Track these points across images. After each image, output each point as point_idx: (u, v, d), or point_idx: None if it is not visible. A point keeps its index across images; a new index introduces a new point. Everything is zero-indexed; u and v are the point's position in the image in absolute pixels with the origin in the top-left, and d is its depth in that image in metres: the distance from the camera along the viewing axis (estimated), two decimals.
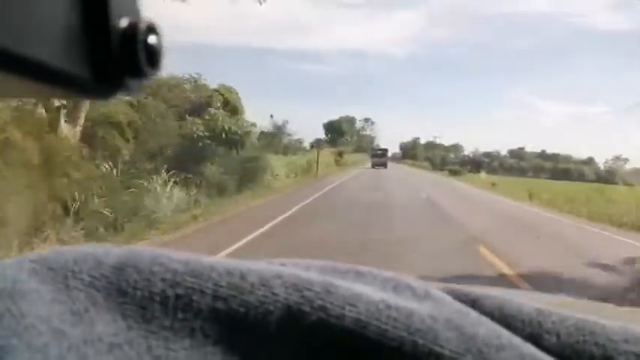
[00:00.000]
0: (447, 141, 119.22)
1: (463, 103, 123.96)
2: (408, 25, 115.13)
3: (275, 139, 33.76)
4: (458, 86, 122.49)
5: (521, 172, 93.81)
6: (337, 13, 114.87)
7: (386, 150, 60.46)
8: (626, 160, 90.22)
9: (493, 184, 32.99)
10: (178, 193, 10.88)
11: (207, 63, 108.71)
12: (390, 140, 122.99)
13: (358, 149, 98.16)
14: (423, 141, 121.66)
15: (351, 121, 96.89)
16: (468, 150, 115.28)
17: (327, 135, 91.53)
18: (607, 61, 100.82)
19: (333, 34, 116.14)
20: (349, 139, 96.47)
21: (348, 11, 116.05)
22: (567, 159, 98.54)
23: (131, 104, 11.57)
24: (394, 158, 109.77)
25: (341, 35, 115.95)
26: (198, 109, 15.34)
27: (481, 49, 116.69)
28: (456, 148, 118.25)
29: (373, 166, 52.96)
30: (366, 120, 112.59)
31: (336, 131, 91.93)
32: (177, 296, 0.28)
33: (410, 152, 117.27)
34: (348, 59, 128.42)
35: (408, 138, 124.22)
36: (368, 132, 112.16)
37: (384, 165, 53.85)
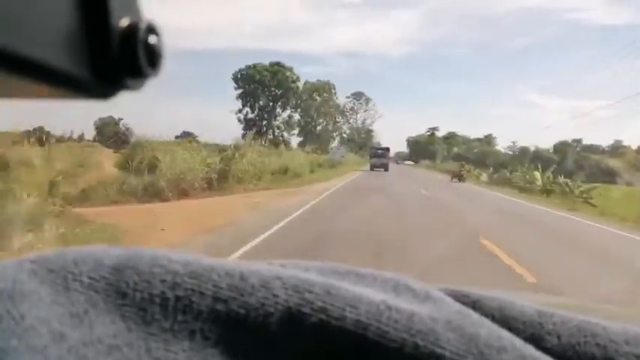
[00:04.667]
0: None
1: (462, 101, 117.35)
2: (405, 25, 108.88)
3: None
4: (457, 84, 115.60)
5: (610, 175, 56.41)
6: (334, 14, 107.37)
7: (387, 149, 46.47)
8: None
9: None
10: None
11: (204, 67, 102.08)
12: (390, 139, 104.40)
13: (349, 146, 60.37)
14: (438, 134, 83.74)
15: (323, 89, 55.07)
16: (500, 144, 78.43)
17: (254, 112, 46.14)
18: (606, 55, 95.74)
19: (331, 35, 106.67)
20: (326, 125, 57.74)
21: (345, 12, 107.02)
22: None
23: None
24: (398, 157, 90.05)
25: (338, 36, 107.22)
26: None
27: (479, 46, 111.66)
28: (488, 141, 79.98)
29: (372, 168, 40.83)
30: (357, 96, 73.33)
31: (279, 98, 46.44)
32: (177, 298, 0.28)
33: (423, 149, 79.70)
34: (345, 60, 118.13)
35: (412, 134, 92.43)
36: (362, 115, 73.22)
37: (385, 167, 41.03)
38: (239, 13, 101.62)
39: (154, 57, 0.22)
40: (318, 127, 54.16)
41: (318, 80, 54.49)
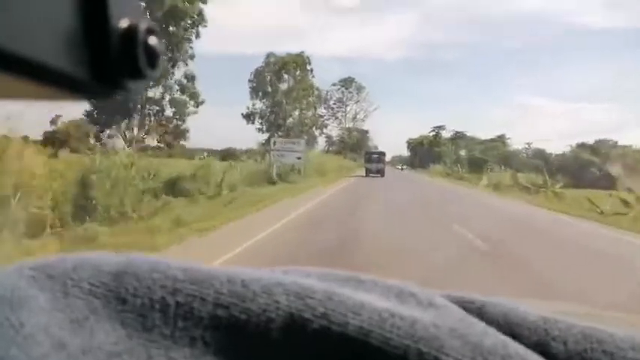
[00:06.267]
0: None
1: (460, 104, 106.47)
2: (402, 28, 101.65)
3: None
4: (454, 87, 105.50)
5: None
6: (330, 18, 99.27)
7: (383, 153, 39.97)
8: None
9: None
10: None
11: (202, 72, 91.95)
12: (386, 142, 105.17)
13: (336, 147, 46.37)
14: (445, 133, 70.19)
15: (295, 64, 39.80)
16: (514, 144, 64.76)
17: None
18: (604, 59, 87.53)
19: (327, 39, 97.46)
20: (301, 116, 40.86)
21: (341, 16, 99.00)
22: None
23: None
24: (400, 161, 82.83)
25: (334, 40, 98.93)
26: None
27: (476, 49, 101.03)
28: (502, 141, 65.91)
29: (367, 173, 35.43)
30: (346, 83, 58.70)
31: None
32: (178, 304, 0.28)
33: (427, 152, 65.98)
34: (341, 64, 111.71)
35: (410, 137, 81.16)
36: (352, 108, 58.76)
37: (381, 173, 35.40)
38: (236, 19, 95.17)
39: (153, 58, 0.22)
40: (289, 120, 39.41)
41: (288, 53, 39.77)
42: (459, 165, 46.66)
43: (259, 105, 39.65)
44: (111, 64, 0.20)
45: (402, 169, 69.35)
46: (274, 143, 21.30)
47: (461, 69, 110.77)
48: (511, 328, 0.31)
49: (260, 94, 38.98)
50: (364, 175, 35.73)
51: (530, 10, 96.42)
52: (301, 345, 0.28)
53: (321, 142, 54.39)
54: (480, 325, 0.30)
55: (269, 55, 39.51)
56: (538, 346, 0.30)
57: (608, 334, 0.31)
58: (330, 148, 55.93)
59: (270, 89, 39.09)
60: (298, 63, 39.36)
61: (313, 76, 40.94)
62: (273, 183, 17.35)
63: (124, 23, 0.21)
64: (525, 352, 0.28)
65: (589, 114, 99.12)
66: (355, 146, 58.85)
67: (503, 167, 35.57)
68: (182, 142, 26.02)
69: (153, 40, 0.22)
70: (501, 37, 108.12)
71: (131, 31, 0.21)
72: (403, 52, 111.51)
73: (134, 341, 0.27)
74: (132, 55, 0.21)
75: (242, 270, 0.31)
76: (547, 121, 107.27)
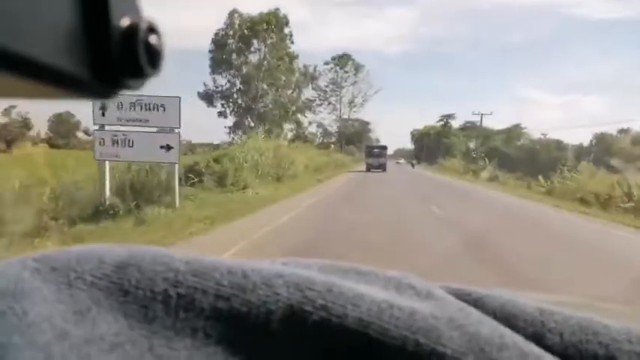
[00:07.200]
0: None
1: (460, 98, 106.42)
2: (401, 22, 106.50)
3: None
4: (454, 82, 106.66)
5: None
6: (330, 12, 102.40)
7: (385, 147, 39.26)
8: None
9: None
10: None
11: (201, 67, 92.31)
12: (387, 135, 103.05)
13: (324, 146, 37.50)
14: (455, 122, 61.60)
15: (267, 24, 28.99)
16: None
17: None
18: (603, 50, 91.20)
19: (327, 33, 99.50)
20: (278, 96, 29.74)
21: (341, 10, 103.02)
22: None
23: None
24: (400, 155, 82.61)
25: (334, 34, 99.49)
26: None
27: (475, 43, 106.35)
28: (517, 131, 56.81)
29: (368, 168, 34.91)
30: (341, 61, 48.12)
31: None
32: (179, 295, 0.29)
33: (434, 144, 57.42)
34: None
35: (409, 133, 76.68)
36: (349, 90, 49.53)
37: (383, 167, 34.85)
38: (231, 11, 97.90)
39: (154, 57, 0.22)
40: (261, 103, 29.89)
41: (260, 13, 29.67)
42: (486, 159, 37.39)
43: (221, 81, 30.52)
44: (112, 63, 0.21)
45: (412, 165, 59.04)
46: (102, 112, 8.49)
47: (461, 62, 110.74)
48: (508, 320, 0.31)
49: (223, 67, 29.86)
50: (362, 170, 31.48)
51: (530, 2, 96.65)
52: (301, 336, 0.28)
53: (318, 132, 45.78)
54: (478, 316, 0.30)
55: (232, 14, 29.69)
56: (534, 338, 0.30)
57: (604, 326, 0.31)
58: (325, 140, 47.19)
59: (235, 60, 29.85)
60: (271, 23, 29.36)
61: (292, 42, 31.32)
62: (108, 214, 7.50)
63: (124, 22, 0.21)
64: (522, 342, 0.29)
65: (588, 105, 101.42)
66: (354, 138, 50.14)
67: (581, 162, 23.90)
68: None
69: (154, 39, 0.22)
70: (500, 30, 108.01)
71: (132, 30, 0.21)
72: (403, 46, 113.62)
73: (136, 332, 0.27)
74: (133, 53, 0.21)
75: (243, 262, 0.32)
76: (545, 112, 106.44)
